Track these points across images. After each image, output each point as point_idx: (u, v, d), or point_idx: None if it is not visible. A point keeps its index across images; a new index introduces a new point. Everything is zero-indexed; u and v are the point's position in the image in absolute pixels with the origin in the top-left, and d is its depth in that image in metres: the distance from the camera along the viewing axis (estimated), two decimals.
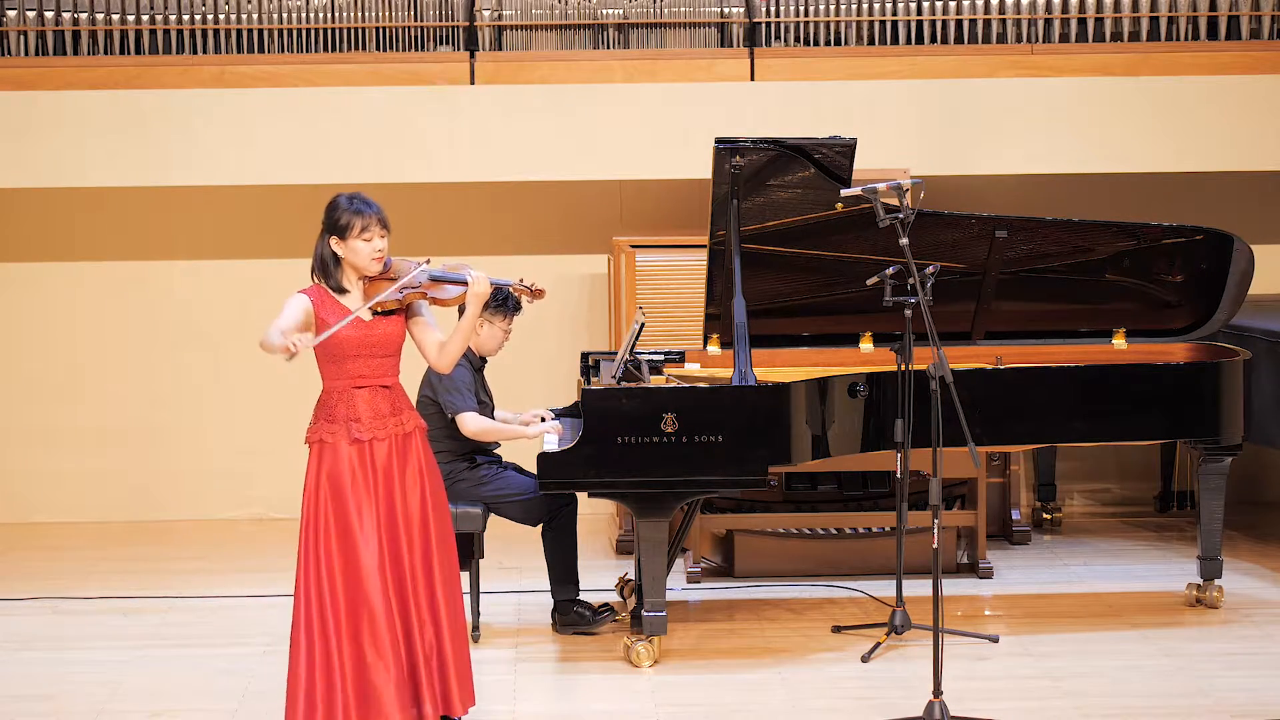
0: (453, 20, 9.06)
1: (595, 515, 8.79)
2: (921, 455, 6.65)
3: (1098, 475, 9.53)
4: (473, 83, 8.98)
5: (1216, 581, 7.50)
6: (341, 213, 5.74)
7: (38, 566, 8.48)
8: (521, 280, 6.06)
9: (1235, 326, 7.98)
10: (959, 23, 9.10)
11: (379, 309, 5.76)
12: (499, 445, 7.33)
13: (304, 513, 5.79)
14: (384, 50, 9.04)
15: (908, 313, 6.47)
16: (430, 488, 5.83)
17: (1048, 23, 9.11)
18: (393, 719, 5.69)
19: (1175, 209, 9.17)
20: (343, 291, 5.78)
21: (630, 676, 6.71)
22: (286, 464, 9.36)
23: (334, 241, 5.76)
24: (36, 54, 8.98)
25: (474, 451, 7.21)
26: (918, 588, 6.96)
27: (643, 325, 7.13)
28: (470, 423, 7.06)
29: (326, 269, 5.79)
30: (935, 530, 6.05)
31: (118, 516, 9.34)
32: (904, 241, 6.19)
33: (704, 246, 7.35)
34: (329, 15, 8.99)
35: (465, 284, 5.79)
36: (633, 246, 8.47)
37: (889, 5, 9.08)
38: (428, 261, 5.81)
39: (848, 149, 7.12)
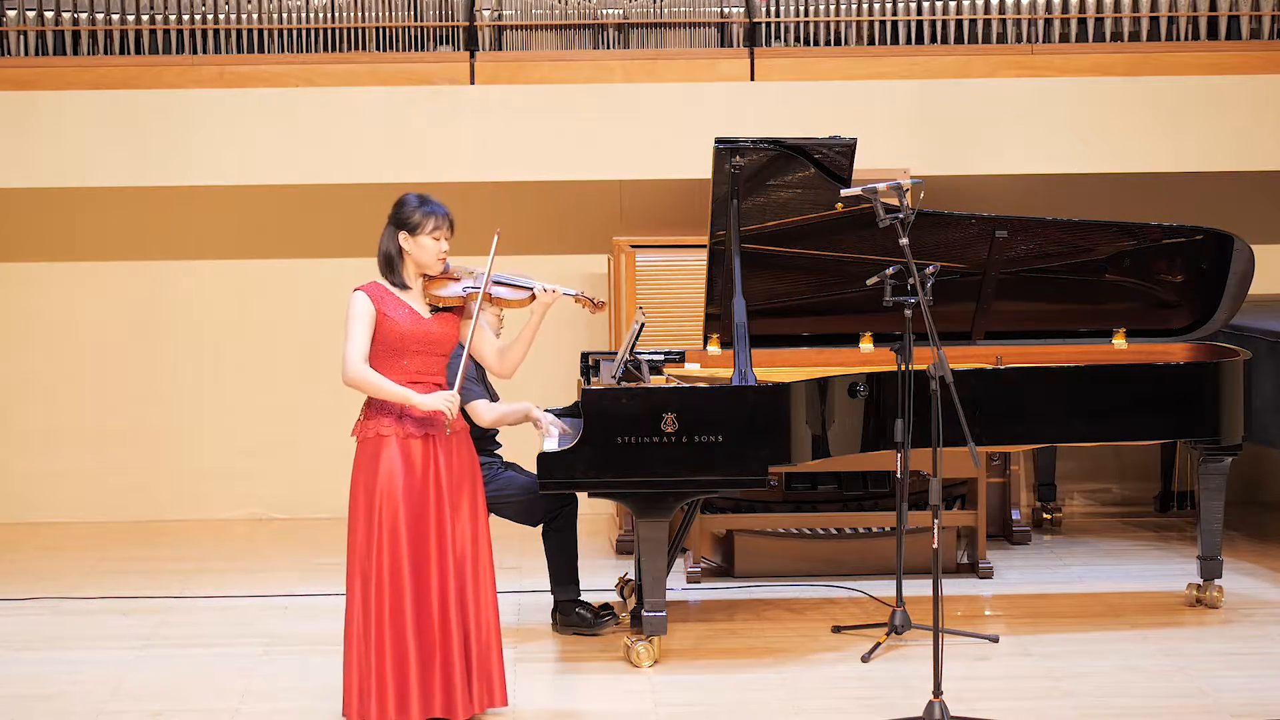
0: (453, 20, 9.06)
1: (595, 515, 8.79)
2: (921, 455, 6.65)
3: (1098, 475, 9.53)
4: (473, 83, 8.98)
5: (1216, 581, 7.50)
6: (413, 210, 5.91)
7: (38, 566, 8.48)
8: (583, 292, 6.30)
9: (1235, 326, 7.98)
10: (959, 23, 9.10)
11: (440, 304, 5.92)
12: (500, 445, 7.33)
13: (354, 506, 5.91)
14: (384, 50, 9.04)
15: (908, 313, 6.47)
16: (477, 487, 6.01)
17: (1048, 23, 9.11)
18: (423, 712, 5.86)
19: (1175, 209, 9.17)
20: (404, 287, 5.88)
21: (630, 676, 6.71)
22: (285, 464, 9.38)
23: (402, 237, 5.91)
24: (36, 54, 8.98)
25: (476, 451, 7.20)
26: (918, 588, 6.96)
27: (643, 325, 7.13)
28: (484, 410, 7.08)
29: (391, 264, 5.94)
30: (935, 530, 6.05)
31: (118, 516, 9.33)
32: (904, 241, 6.19)
33: (704, 246, 7.35)
34: (329, 15, 8.99)
35: (529, 290, 6.05)
36: (633, 246, 8.47)
37: (889, 5, 9.08)
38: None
39: (848, 149, 7.12)
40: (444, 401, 5.87)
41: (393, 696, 5.84)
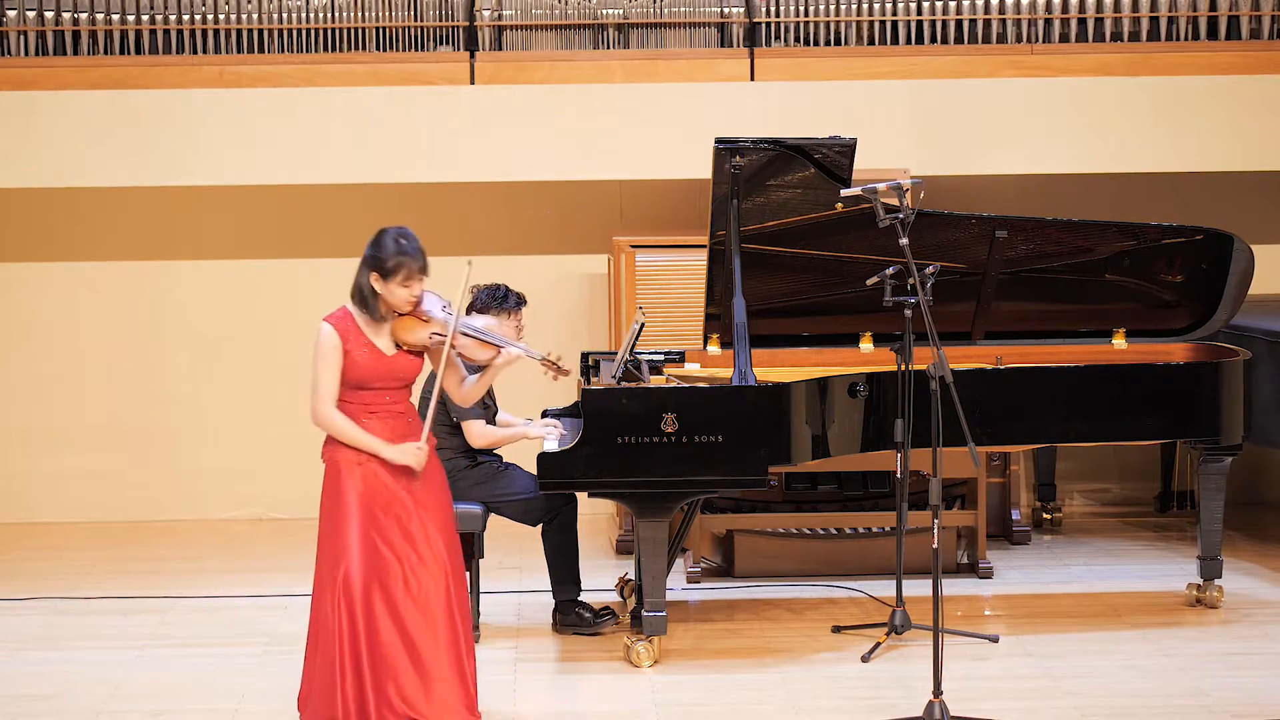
0: (453, 20, 9.07)
1: (595, 515, 8.79)
2: (921, 455, 6.65)
3: (1098, 475, 9.53)
4: (473, 83, 8.98)
5: (1216, 581, 7.50)
6: (389, 255, 5.80)
7: (38, 566, 8.48)
8: (549, 355, 6.18)
9: (1235, 326, 7.98)
10: (959, 23, 9.10)
11: (405, 346, 5.87)
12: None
13: (320, 526, 5.88)
14: (384, 50, 9.04)
15: (908, 313, 6.47)
16: (441, 508, 5.92)
17: (1048, 23, 9.11)
18: None
19: (1175, 209, 9.17)
20: (377, 321, 5.83)
21: (630, 676, 6.71)
22: (286, 464, 9.37)
23: (374, 278, 5.81)
24: (36, 54, 8.98)
25: (475, 450, 7.21)
26: (918, 588, 6.96)
27: (643, 325, 7.13)
28: (476, 430, 7.10)
29: (365, 301, 5.86)
30: (935, 530, 6.05)
31: (118, 516, 9.33)
32: (904, 241, 6.19)
33: (704, 246, 7.35)
34: (329, 15, 8.99)
35: (495, 348, 5.95)
36: (633, 246, 8.47)
37: (889, 5, 9.08)
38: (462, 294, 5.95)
39: (848, 149, 7.12)
40: (411, 457, 5.81)
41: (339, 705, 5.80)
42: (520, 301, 7.18)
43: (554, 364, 6.14)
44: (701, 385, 7.01)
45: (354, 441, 5.81)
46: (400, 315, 5.87)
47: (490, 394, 7.26)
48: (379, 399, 5.85)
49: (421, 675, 5.81)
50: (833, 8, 9.07)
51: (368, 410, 5.83)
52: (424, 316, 5.89)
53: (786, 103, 8.86)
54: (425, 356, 5.97)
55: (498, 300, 7.10)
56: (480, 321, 6.25)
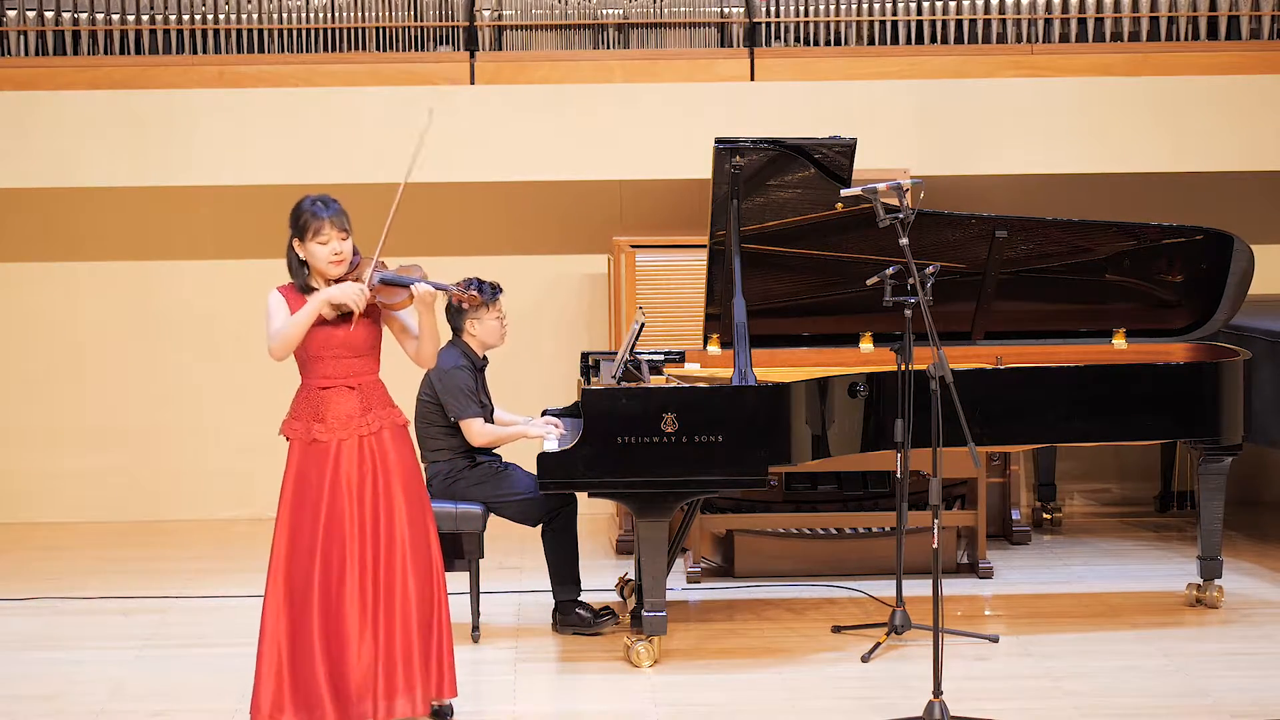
0: (453, 20, 9.07)
1: (595, 515, 8.79)
2: (921, 455, 6.65)
3: (1098, 475, 9.53)
4: (473, 83, 8.99)
5: (1216, 581, 7.50)
6: (302, 214, 5.81)
7: (38, 566, 8.48)
8: (457, 285, 6.07)
9: (1235, 326, 7.98)
10: (959, 23, 9.10)
11: (338, 310, 5.77)
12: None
13: (278, 505, 5.84)
14: (384, 50, 9.04)
15: (908, 313, 6.47)
16: (402, 485, 5.80)
17: (1048, 23, 9.11)
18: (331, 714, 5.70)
19: (1175, 209, 9.17)
20: (310, 291, 5.78)
21: (630, 676, 6.71)
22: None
23: (296, 244, 5.81)
24: (36, 54, 8.98)
25: (474, 450, 7.22)
26: (918, 588, 6.96)
27: (643, 325, 7.13)
28: (476, 429, 7.10)
29: (293, 271, 5.84)
30: (935, 530, 6.05)
31: (118, 516, 9.33)
32: (904, 241, 6.19)
33: (704, 246, 7.35)
34: (329, 15, 8.99)
35: (406, 289, 5.77)
36: (633, 246, 8.47)
37: (889, 5, 9.08)
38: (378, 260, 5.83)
39: (848, 149, 7.12)
40: (350, 296, 5.68)
41: (269, 697, 5.72)
42: (496, 291, 7.17)
43: (462, 293, 6.02)
44: (701, 385, 7.01)
45: (303, 321, 5.70)
46: (335, 282, 5.78)
47: (486, 392, 7.26)
48: (332, 370, 5.77)
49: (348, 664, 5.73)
50: (833, 8, 9.08)
51: (320, 385, 5.78)
52: (355, 276, 5.81)
53: (786, 103, 8.86)
54: (382, 323, 5.84)
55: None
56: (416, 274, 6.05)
